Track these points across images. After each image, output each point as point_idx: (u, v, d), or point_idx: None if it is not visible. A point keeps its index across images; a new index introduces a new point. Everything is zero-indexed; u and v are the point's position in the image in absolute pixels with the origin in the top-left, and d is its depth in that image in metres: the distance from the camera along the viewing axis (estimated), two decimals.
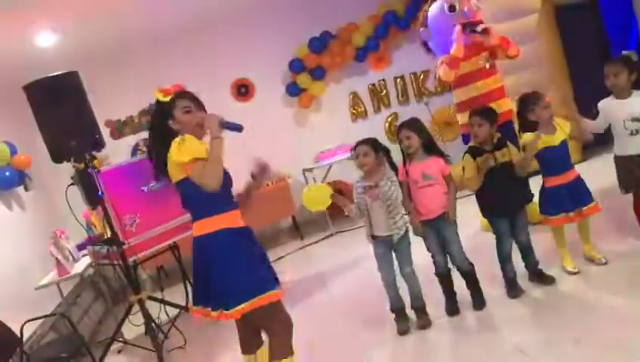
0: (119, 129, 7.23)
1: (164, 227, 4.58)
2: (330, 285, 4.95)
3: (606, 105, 3.52)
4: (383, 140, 7.20)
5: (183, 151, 2.50)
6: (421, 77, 7.65)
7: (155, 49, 7.02)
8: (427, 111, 7.35)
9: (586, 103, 3.77)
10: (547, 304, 3.38)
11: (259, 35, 7.30)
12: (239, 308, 2.53)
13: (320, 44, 7.23)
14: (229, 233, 2.61)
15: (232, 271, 2.55)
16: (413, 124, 3.50)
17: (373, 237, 3.46)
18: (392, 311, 3.60)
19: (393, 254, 3.49)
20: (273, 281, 2.66)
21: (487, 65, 4.43)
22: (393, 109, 7.69)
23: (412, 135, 3.42)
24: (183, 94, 2.69)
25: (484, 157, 3.40)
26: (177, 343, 4.40)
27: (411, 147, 3.43)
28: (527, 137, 3.46)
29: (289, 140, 7.38)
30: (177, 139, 2.54)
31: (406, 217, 3.48)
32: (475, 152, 3.46)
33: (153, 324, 4.29)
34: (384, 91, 7.66)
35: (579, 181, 3.52)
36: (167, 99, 2.66)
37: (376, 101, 7.67)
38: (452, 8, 4.40)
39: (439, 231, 3.46)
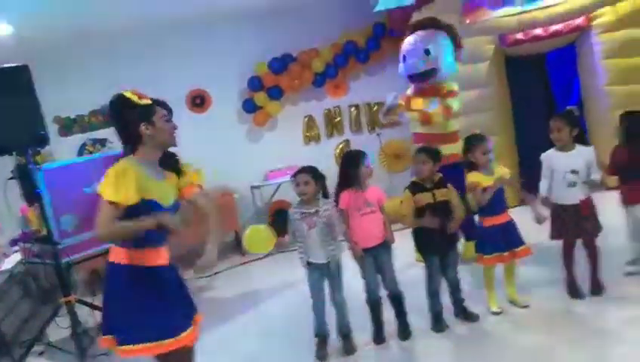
0: (68, 127, 7.11)
1: None
2: (264, 304, 4.98)
3: (549, 156, 3.73)
4: (333, 166, 7.50)
5: (108, 188, 2.40)
6: (375, 108, 7.84)
7: (113, 50, 6.99)
8: (378, 142, 7.55)
9: (527, 151, 3.98)
10: (469, 340, 3.52)
11: (220, 47, 7.36)
12: (127, 347, 2.46)
13: (280, 65, 7.34)
14: (137, 271, 2.51)
15: (129, 309, 2.47)
16: (362, 153, 3.64)
17: (309, 264, 3.54)
18: (316, 336, 3.67)
19: (326, 281, 3.58)
20: (173, 329, 2.52)
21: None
22: (346, 136, 7.85)
23: (368, 165, 3.56)
24: (161, 103, 2.67)
25: (423, 196, 3.56)
26: (103, 349, 4.32)
27: (368, 175, 3.56)
28: (470, 176, 3.64)
29: (240, 156, 7.41)
30: (119, 168, 2.45)
31: (341, 244, 3.57)
32: (415, 189, 3.60)
33: (80, 328, 4.21)
34: (338, 118, 7.81)
35: (512, 223, 3.70)
36: (147, 102, 2.61)
37: (329, 127, 7.82)
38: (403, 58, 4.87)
39: (376, 258, 3.57)
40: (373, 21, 7.41)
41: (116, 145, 6.73)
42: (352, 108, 7.81)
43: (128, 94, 2.62)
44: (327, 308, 3.63)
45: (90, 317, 4.65)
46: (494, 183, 3.59)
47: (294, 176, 3.55)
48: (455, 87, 4.83)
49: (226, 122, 7.46)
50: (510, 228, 3.69)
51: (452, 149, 4.56)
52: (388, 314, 3.70)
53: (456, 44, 4.92)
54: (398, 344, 3.61)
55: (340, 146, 7.80)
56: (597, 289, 3.72)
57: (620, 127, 3.85)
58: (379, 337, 3.66)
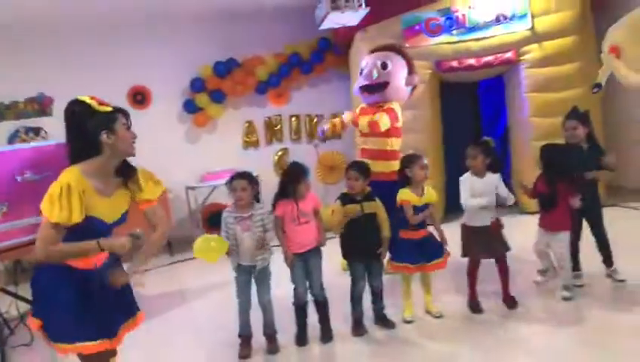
0: (1, 113, 6.92)
1: (31, 221, 4.46)
2: (190, 303, 5.05)
3: (465, 179, 4.02)
4: (271, 172, 7.64)
5: (53, 208, 2.33)
6: (315, 120, 8.05)
7: (54, 40, 6.90)
8: (315, 153, 7.75)
9: (453, 172, 4.27)
10: (385, 345, 3.74)
11: (165, 47, 7.40)
12: (61, 346, 2.47)
13: (224, 69, 7.44)
14: (68, 271, 2.47)
15: (62, 309, 2.46)
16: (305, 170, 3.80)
17: (238, 266, 3.67)
18: (240, 336, 3.79)
19: (253, 282, 3.72)
20: (97, 332, 2.50)
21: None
22: (285, 145, 8.02)
23: (307, 181, 3.72)
24: (122, 110, 2.56)
25: (352, 208, 3.77)
26: (23, 340, 4.28)
27: (306, 191, 3.73)
28: (402, 193, 3.88)
29: (177, 155, 7.44)
30: (64, 184, 2.36)
31: (271, 248, 3.71)
32: (345, 200, 3.81)
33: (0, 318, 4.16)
34: (279, 126, 7.98)
35: (429, 238, 3.96)
36: (108, 109, 2.50)
37: (269, 134, 7.96)
38: (360, 71, 5.14)
39: (306, 262, 3.74)
40: (318, 35, 7.64)
41: (51, 134, 6.69)
42: (293, 118, 8.00)
43: (87, 100, 2.49)
44: (253, 310, 3.76)
45: (11, 308, 4.59)
46: (422, 216, 3.87)
47: (230, 181, 3.67)
48: (396, 107, 5.05)
49: (165, 121, 7.47)
50: (426, 242, 3.94)
51: (393, 167, 4.81)
52: (314, 317, 3.87)
53: (410, 70, 5.16)
54: (320, 346, 3.78)
55: (279, 154, 7.96)
56: (510, 303, 4.02)
57: (539, 157, 4.19)
58: (301, 339, 3.82)
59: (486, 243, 3.94)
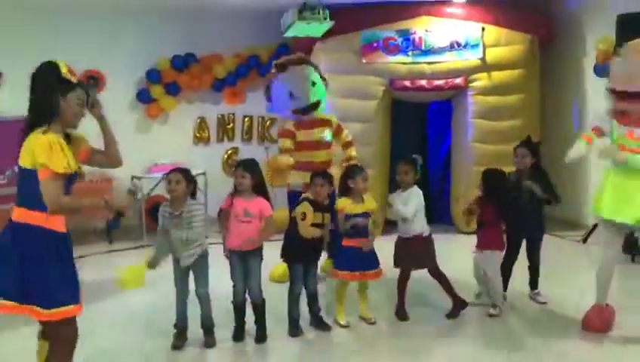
0: None
1: None
2: (126, 294, 4.98)
3: (394, 196, 4.24)
4: (219, 170, 7.68)
5: (53, 157, 2.50)
6: (267, 123, 8.14)
7: (10, 17, 6.76)
8: (265, 155, 7.84)
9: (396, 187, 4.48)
10: (319, 346, 3.90)
11: (123, 33, 7.35)
12: (55, 310, 2.56)
13: (182, 63, 7.45)
14: (53, 235, 2.61)
15: (51, 272, 2.57)
16: (250, 166, 3.90)
17: (174, 258, 3.75)
18: (175, 327, 3.85)
19: (191, 274, 3.79)
20: (77, 296, 2.68)
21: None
22: (235, 144, 8.07)
23: (247, 175, 3.80)
24: (82, 86, 2.74)
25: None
26: None
27: (242, 185, 3.81)
28: (339, 202, 4.04)
29: (125, 144, 7.24)
30: (50, 140, 2.53)
31: (205, 242, 3.78)
32: (313, 205, 3.96)
33: None
34: (231, 125, 8.02)
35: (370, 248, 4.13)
36: (71, 78, 2.65)
37: (221, 132, 8.00)
38: (291, 95, 5.15)
39: (245, 263, 3.84)
40: (278, 41, 7.75)
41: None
42: (246, 118, 8.06)
43: (61, 64, 2.67)
44: (192, 303, 3.83)
45: None
46: (350, 224, 4.05)
47: (167, 174, 3.74)
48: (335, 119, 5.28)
49: (117, 108, 7.35)
50: (367, 251, 4.12)
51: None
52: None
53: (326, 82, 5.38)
54: (254, 344, 3.88)
55: (229, 152, 8.01)
56: (462, 303, 4.28)
57: (481, 181, 4.45)
58: (238, 336, 3.91)
59: (416, 254, 4.17)
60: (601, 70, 6.66)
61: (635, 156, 3.79)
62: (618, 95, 3.80)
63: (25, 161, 2.59)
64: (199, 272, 3.78)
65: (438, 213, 7.16)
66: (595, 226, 6.47)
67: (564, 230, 6.95)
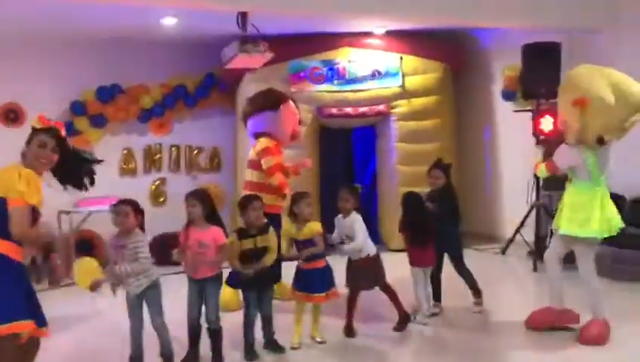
0: None
1: None
2: (72, 330, 4.85)
3: (339, 220, 4.48)
4: (146, 200, 7.60)
5: (31, 189, 2.70)
6: (195, 152, 8.16)
7: None
8: (193, 185, 7.86)
9: (327, 211, 4.70)
10: None
11: (45, 66, 7.18)
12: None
13: (108, 94, 7.37)
14: (6, 260, 2.72)
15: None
16: (200, 195, 3.98)
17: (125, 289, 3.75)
18: (131, 359, 3.82)
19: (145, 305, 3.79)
20: (26, 314, 2.76)
21: None
22: (163, 174, 8.02)
23: (197, 204, 3.88)
24: (45, 130, 2.96)
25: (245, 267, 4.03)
26: None
27: (193, 214, 3.89)
28: (284, 228, 4.25)
29: (49, 177, 7.12)
30: (25, 172, 2.74)
31: (153, 273, 3.77)
32: (241, 234, 4.06)
33: None
34: (158, 155, 7.97)
35: (325, 270, 4.29)
36: (36, 127, 2.96)
37: (148, 162, 7.93)
38: None
39: (202, 291, 3.90)
40: (205, 70, 7.86)
41: None
42: (173, 148, 8.05)
43: (35, 122, 3.02)
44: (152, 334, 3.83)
45: None
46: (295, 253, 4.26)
47: (115, 205, 3.76)
48: None
49: None
50: (323, 273, 4.29)
51: (274, 201, 5.12)
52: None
53: None
54: None
55: (157, 183, 7.95)
56: (407, 318, 4.54)
57: (402, 202, 4.77)
58: (190, 361, 3.95)
59: (368, 275, 4.41)
60: (507, 95, 7.33)
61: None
62: None
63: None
64: (151, 303, 3.77)
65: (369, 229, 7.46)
66: (512, 239, 7.05)
67: (483, 243, 7.47)
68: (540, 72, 6.16)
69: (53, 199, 6.83)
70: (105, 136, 7.59)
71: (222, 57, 5.33)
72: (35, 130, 2.95)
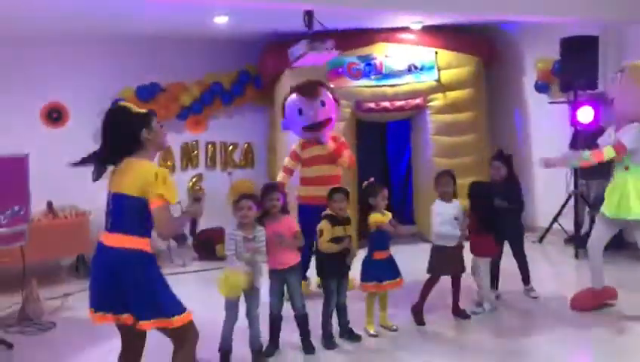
0: None
1: None
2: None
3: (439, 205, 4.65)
4: (184, 197, 7.70)
5: (168, 188, 2.76)
6: (230, 148, 8.28)
7: None
8: (228, 180, 7.98)
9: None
10: (355, 356, 4.16)
11: (86, 65, 7.28)
12: (178, 318, 2.82)
13: (148, 93, 7.46)
14: (150, 256, 2.87)
15: (155, 288, 2.82)
16: (279, 188, 4.25)
17: None
18: (220, 350, 3.94)
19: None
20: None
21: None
22: (200, 170, 8.14)
23: (279, 197, 4.07)
24: (153, 112, 3.03)
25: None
26: None
27: (276, 207, 4.05)
28: (372, 218, 4.34)
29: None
30: (160, 172, 2.78)
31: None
32: (332, 221, 4.21)
33: None
34: (195, 152, 8.09)
35: (392, 259, 4.47)
36: (144, 111, 2.96)
37: (185, 159, 8.04)
38: (300, 112, 5.51)
39: (285, 280, 4.06)
40: (239, 67, 7.98)
41: None
42: (209, 145, 8.16)
43: (127, 104, 2.99)
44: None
45: None
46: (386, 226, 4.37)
47: (238, 200, 3.88)
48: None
49: (83, 141, 7.23)
50: (390, 262, 4.46)
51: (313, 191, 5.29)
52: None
53: (338, 103, 5.75)
54: (302, 356, 4.09)
55: (194, 180, 8.06)
56: (462, 314, 4.69)
57: (469, 192, 4.91)
58: (272, 348, 4.12)
59: (457, 260, 4.57)
60: (541, 87, 7.49)
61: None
62: None
63: (130, 188, 2.78)
64: (252, 295, 3.92)
65: (402, 222, 7.62)
66: (549, 228, 7.23)
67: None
68: (579, 65, 6.33)
69: (99, 197, 7.07)
70: None
71: (289, 56, 5.44)
72: (147, 114, 2.97)
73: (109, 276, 2.79)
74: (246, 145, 8.36)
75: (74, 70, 7.21)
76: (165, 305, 2.81)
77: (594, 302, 4.66)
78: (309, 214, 4.92)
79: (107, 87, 7.33)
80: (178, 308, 2.84)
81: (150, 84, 7.53)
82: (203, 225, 7.17)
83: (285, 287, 4.14)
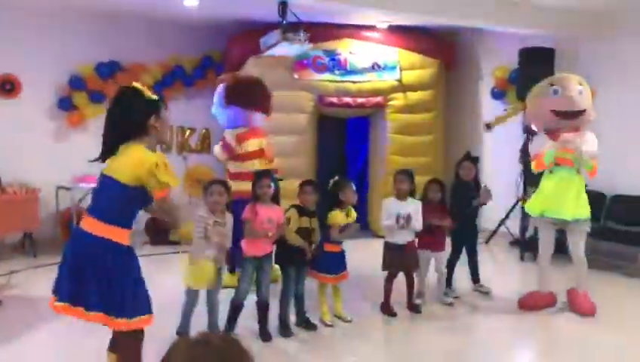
0: None
1: None
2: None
3: (391, 202, 4.73)
4: None
5: (171, 176, 2.62)
6: (187, 133, 8.19)
7: None
8: (184, 165, 7.90)
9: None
10: (310, 344, 4.23)
11: (44, 37, 7.04)
12: (137, 319, 2.68)
13: (107, 71, 7.29)
14: (129, 250, 2.73)
15: (131, 284, 2.69)
16: (271, 175, 4.24)
17: None
18: (178, 333, 3.96)
19: None
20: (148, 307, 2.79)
21: None
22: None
23: (271, 184, 4.10)
24: (164, 100, 2.84)
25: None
26: None
27: (269, 193, 4.08)
28: (332, 217, 4.40)
29: (45, 153, 7.05)
30: (160, 157, 2.62)
31: None
32: (301, 211, 4.27)
33: None
34: None
35: (344, 254, 4.56)
36: (155, 97, 2.76)
37: None
38: None
39: (259, 267, 4.10)
40: (202, 52, 7.91)
41: None
42: None
43: (140, 85, 2.76)
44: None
45: None
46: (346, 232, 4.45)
47: (209, 185, 3.90)
48: None
49: (35, 115, 7.05)
50: (341, 257, 4.55)
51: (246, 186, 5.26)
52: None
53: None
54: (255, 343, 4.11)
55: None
56: (415, 309, 4.81)
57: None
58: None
59: (410, 257, 4.69)
60: (497, 94, 7.76)
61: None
62: (556, 115, 4.63)
63: (126, 176, 2.62)
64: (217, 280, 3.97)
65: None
66: (496, 230, 7.52)
67: None
68: (536, 75, 6.58)
69: (49, 174, 6.89)
70: (103, 113, 7.49)
71: (261, 44, 5.44)
72: (159, 101, 2.79)
73: (81, 265, 2.64)
74: (204, 130, 8.29)
75: (30, 42, 6.98)
76: (137, 303, 2.70)
77: (540, 304, 4.89)
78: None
79: (64, 62, 7.14)
80: (143, 309, 2.73)
81: (109, 62, 7.37)
82: None
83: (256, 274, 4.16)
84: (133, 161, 2.62)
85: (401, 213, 4.61)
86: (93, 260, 2.62)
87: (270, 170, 4.39)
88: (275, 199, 4.24)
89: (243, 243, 4.07)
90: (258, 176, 4.19)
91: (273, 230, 4.08)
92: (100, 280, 2.62)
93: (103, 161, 2.79)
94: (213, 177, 7.84)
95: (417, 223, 4.65)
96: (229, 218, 3.94)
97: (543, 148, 4.79)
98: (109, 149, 2.76)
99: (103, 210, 2.68)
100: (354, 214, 4.55)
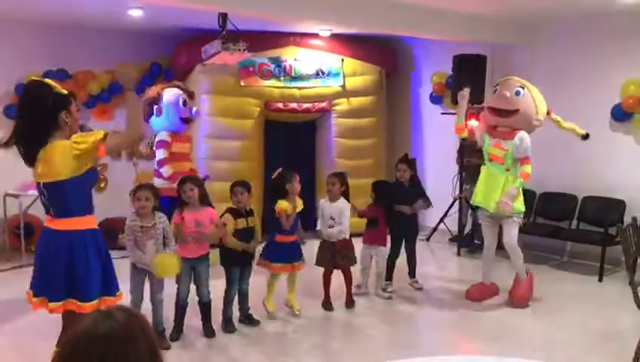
0: None
1: None
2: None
3: (324, 204, 5.05)
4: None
5: (91, 135, 2.82)
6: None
7: None
8: (134, 171, 8.01)
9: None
10: (252, 339, 4.47)
11: None
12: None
13: (55, 78, 7.26)
14: (94, 232, 2.93)
15: (92, 266, 2.87)
16: (196, 180, 4.38)
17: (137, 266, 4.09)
18: None
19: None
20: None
21: None
22: (105, 160, 8.06)
23: (194, 188, 4.25)
24: (74, 94, 2.97)
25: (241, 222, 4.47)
26: None
27: (192, 197, 4.25)
28: (280, 204, 4.63)
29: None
30: (73, 136, 2.77)
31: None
32: (235, 214, 4.47)
33: None
34: None
35: (297, 243, 4.82)
36: (65, 92, 2.87)
37: None
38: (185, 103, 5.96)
39: (194, 268, 4.28)
40: (150, 59, 8.03)
41: None
42: None
43: (49, 81, 2.88)
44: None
45: None
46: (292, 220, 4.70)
47: (135, 191, 4.06)
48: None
49: None
50: (295, 246, 4.81)
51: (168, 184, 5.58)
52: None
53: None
54: (203, 340, 4.36)
55: (99, 168, 7.98)
56: (352, 304, 5.10)
57: (372, 190, 5.36)
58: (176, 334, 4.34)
59: (344, 255, 4.97)
60: (435, 98, 8.16)
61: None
62: (492, 112, 5.01)
63: (63, 172, 2.77)
64: (157, 279, 4.13)
65: (306, 220, 8.01)
66: (436, 228, 7.90)
67: None
68: (468, 80, 6.98)
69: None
70: None
71: (202, 53, 5.64)
72: (68, 96, 2.93)
73: (59, 259, 2.81)
74: (153, 136, 8.39)
75: None
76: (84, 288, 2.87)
77: (484, 294, 5.27)
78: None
79: (12, 71, 7.15)
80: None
81: (57, 70, 7.42)
82: (106, 214, 7.15)
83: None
84: (60, 158, 2.76)
85: (332, 214, 4.91)
86: (80, 250, 2.85)
87: (190, 176, 4.61)
88: (205, 200, 4.44)
89: (177, 247, 4.24)
90: (180, 183, 4.36)
91: (206, 231, 4.27)
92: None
93: (31, 164, 2.88)
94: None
95: (345, 221, 4.93)
96: (160, 218, 4.09)
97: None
98: (29, 151, 2.86)
99: (71, 209, 2.85)
100: (300, 202, 4.79)
